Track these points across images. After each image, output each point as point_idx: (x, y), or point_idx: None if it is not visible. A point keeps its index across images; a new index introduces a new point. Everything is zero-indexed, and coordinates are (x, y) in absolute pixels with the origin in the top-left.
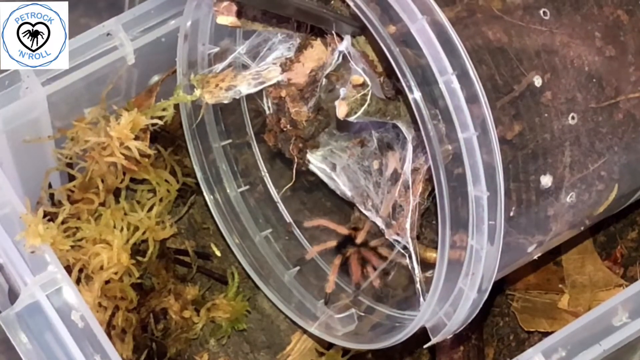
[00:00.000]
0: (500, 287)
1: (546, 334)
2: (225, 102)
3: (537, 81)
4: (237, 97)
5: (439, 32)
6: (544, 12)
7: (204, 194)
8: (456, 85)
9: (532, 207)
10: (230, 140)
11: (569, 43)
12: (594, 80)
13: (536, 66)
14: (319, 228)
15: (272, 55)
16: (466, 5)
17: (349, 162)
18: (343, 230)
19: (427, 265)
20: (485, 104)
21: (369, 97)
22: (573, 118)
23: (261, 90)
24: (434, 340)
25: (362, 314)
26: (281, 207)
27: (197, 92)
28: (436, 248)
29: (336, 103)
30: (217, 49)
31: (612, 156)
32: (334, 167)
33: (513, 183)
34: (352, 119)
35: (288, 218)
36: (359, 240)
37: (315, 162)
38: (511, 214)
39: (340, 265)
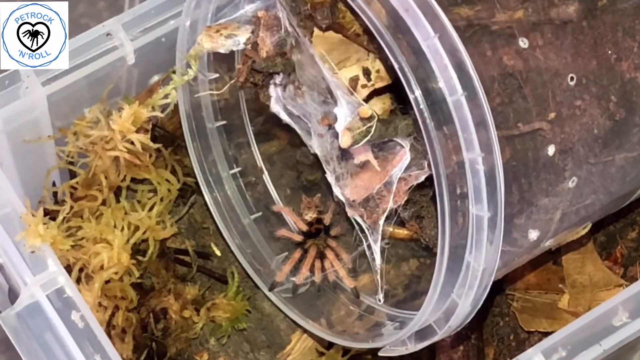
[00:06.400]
0: (500, 287)
1: (546, 334)
2: (222, 50)
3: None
4: (235, 48)
5: (451, 50)
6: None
7: (204, 193)
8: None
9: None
10: (229, 140)
11: (583, 96)
12: (600, 141)
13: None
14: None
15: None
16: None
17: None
18: (302, 226)
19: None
20: (492, 129)
21: (373, 129)
22: (571, 177)
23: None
24: (433, 340)
25: (363, 313)
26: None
27: (191, 72)
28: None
29: (339, 131)
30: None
31: (594, 200)
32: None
33: None
34: (352, 147)
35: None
36: (327, 221)
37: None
38: None
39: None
